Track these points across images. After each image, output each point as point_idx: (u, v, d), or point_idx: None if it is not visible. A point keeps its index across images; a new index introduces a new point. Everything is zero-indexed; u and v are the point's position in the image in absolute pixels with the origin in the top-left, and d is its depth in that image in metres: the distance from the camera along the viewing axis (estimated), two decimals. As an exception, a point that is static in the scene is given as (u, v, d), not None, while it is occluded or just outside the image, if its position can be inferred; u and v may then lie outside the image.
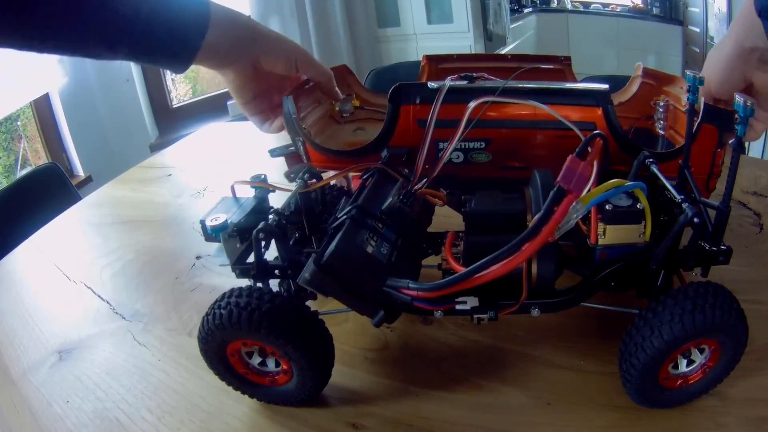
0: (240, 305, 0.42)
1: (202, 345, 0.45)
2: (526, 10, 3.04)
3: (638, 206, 0.41)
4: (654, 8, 2.87)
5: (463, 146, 0.53)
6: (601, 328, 0.53)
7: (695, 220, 0.40)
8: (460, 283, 0.39)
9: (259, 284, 0.48)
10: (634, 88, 0.64)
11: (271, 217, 0.49)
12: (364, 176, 0.52)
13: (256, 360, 0.47)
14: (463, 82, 0.53)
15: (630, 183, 0.40)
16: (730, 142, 0.39)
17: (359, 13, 2.30)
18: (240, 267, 0.49)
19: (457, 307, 0.43)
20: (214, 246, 0.52)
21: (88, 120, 1.84)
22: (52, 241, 0.83)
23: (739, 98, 0.38)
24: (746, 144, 0.38)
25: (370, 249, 0.42)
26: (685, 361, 0.43)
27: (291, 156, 0.62)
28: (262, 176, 0.56)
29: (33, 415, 0.50)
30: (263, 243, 0.47)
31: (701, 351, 0.43)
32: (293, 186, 0.52)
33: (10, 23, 0.40)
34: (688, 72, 0.44)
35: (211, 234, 0.50)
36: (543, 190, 0.45)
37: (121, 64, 1.16)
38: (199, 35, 0.49)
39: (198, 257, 0.73)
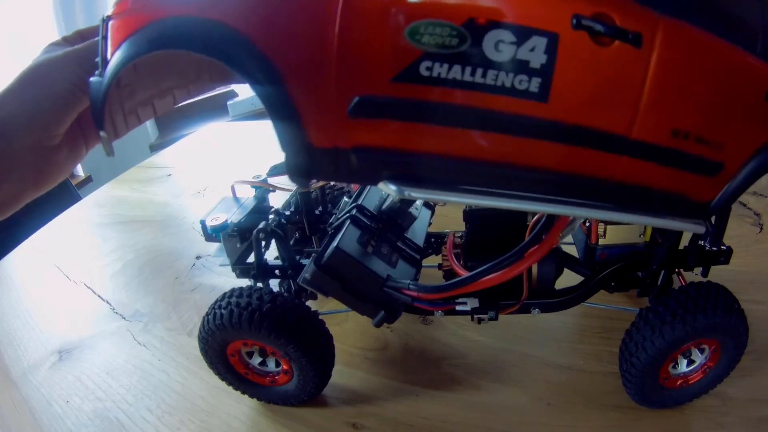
0: (240, 305, 0.42)
1: (202, 345, 0.45)
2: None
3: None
4: None
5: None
6: (601, 328, 0.53)
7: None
8: (461, 287, 0.39)
9: (260, 284, 0.48)
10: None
11: (271, 217, 0.49)
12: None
13: (256, 360, 0.47)
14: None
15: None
16: None
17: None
18: (240, 267, 0.49)
19: (458, 307, 0.43)
20: (214, 246, 0.52)
21: (87, 120, 1.84)
22: (52, 241, 0.83)
23: None
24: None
25: (370, 249, 0.42)
26: (685, 361, 0.43)
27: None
28: (263, 176, 0.56)
29: (33, 415, 0.50)
30: (263, 243, 0.47)
31: (701, 351, 0.43)
32: (293, 186, 0.52)
33: None
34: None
35: (211, 234, 0.50)
36: None
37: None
38: None
39: (198, 257, 0.73)
